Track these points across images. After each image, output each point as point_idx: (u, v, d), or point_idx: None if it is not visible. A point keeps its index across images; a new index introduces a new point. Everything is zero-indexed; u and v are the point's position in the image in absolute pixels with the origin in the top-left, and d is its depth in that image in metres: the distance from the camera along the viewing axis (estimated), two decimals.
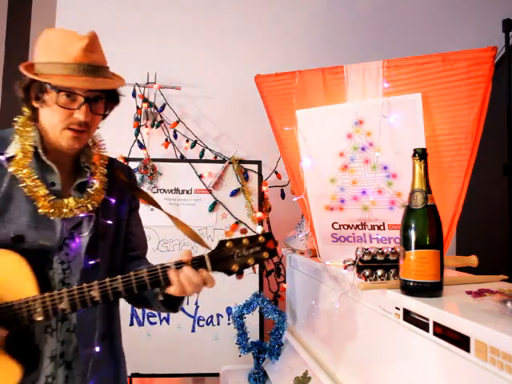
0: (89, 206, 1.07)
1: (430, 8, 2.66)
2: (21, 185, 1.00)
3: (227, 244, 0.99)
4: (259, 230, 1.03)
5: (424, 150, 0.95)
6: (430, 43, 2.55)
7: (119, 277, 0.97)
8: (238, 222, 2.17)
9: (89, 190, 1.09)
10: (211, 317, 2.09)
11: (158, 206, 1.21)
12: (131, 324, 2.03)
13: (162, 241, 2.10)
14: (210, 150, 2.42)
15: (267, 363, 1.72)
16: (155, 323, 2.06)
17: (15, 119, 1.07)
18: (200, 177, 2.20)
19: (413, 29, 2.63)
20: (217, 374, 1.95)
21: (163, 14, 2.53)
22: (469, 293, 0.93)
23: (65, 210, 1.03)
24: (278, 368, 1.64)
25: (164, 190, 2.17)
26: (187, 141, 2.43)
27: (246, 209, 2.18)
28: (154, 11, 2.52)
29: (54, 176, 1.06)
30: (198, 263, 0.99)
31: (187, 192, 2.18)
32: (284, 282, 2.14)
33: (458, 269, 1.28)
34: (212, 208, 2.17)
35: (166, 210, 1.26)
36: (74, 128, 1.02)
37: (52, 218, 1.02)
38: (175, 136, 2.43)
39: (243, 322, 1.77)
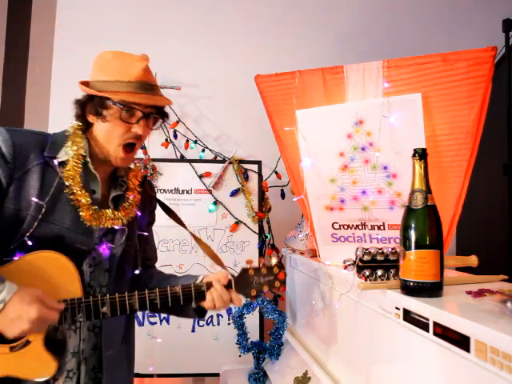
0: (124, 220, 1.15)
1: (430, 8, 2.66)
2: (68, 191, 1.07)
3: (249, 271, 1.17)
4: (273, 261, 1.25)
5: (424, 150, 0.95)
6: (430, 43, 2.56)
7: (157, 290, 1.09)
8: (237, 222, 2.17)
9: (125, 204, 1.18)
10: (211, 317, 2.09)
11: (184, 225, 1.33)
12: None
13: (163, 241, 2.10)
14: (210, 150, 2.42)
15: (267, 363, 1.72)
16: (155, 323, 2.06)
17: (69, 126, 1.13)
18: (200, 177, 2.20)
19: (413, 29, 2.63)
20: (217, 374, 1.95)
21: (163, 14, 2.53)
22: (469, 293, 0.93)
23: (103, 221, 1.11)
24: (278, 368, 1.64)
25: (164, 190, 2.17)
26: (187, 141, 2.44)
27: (246, 209, 2.18)
28: (154, 11, 2.53)
29: (95, 184, 1.13)
30: (226, 286, 1.14)
31: (187, 192, 2.18)
32: (284, 282, 2.14)
33: (458, 269, 1.28)
34: (212, 208, 2.17)
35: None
36: (129, 142, 1.11)
37: (92, 227, 1.10)
38: (175, 136, 2.43)
39: (243, 322, 1.77)
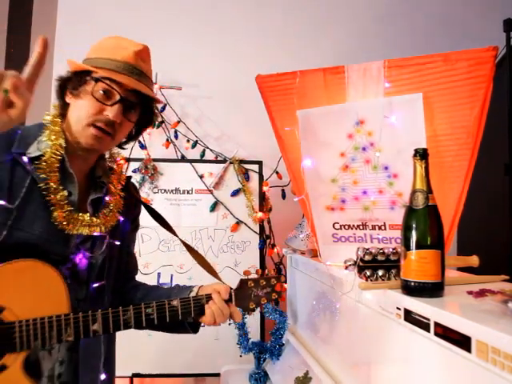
0: (102, 227, 1.03)
1: (430, 8, 2.66)
2: (41, 185, 0.94)
3: (249, 283, 1.12)
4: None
5: (425, 150, 0.95)
6: (431, 43, 2.55)
7: (154, 303, 1.00)
8: (238, 222, 2.17)
9: (104, 211, 1.06)
10: None
11: (174, 232, 1.23)
12: None
13: (163, 241, 2.10)
14: (211, 150, 2.43)
15: (268, 363, 1.72)
16: None
17: (45, 115, 1.02)
18: (201, 177, 2.20)
19: (414, 29, 2.63)
20: (218, 374, 1.95)
21: (163, 15, 2.53)
22: (470, 293, 0.92)
23: (78, 226, 0.99)
24: (278, 368, 1.64)
25: (165, 190, 2.17)
26: (188, 141, 2.44)
27: (247, 209, 2.18)
28: (154, 11, 2.53)
29: (72, 185, 1.01)
30: (227, 299, 1.07)
31: (188, 192, 2.18)
32: (285, 282, 2.14)
33: (459, 269, 1.28)
34: (213, 208, 2.17)
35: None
36: (99, 126, 0.97)
37: (65, 231, 0.97)
38: (176, 136, 2.43)
39: (244, 322, 1.77)
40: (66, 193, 0.97)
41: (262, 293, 1.13)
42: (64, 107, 1.03)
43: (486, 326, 0.68)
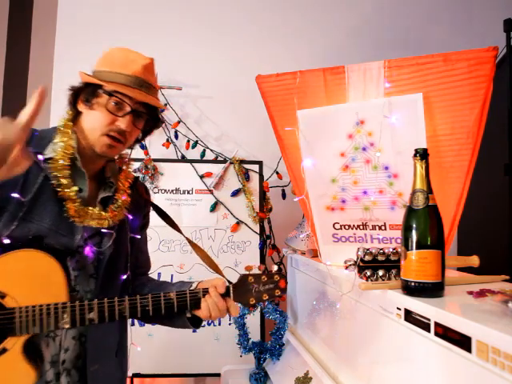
0: (110, 221, 1.10)
1: (430, 8, 2.66)
2: (54, 182, 1.01)
3: (249, 278, 1.11)
4: (275, 268, 1.25)
5: (425, 150, 0.95)
6: (431, 43, 2.55)
7: (149, 295, 1.02)
8: (238, 223, 2.18)
9: (112, 206, 1.12)
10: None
11: (179, 231, 1.28)
12: (132, 324, 2.03)
13: (163, 241, 2.10)
14: (211, 150, 2.43)
15: (268, 363, 1.72)
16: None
17: (59, 119, 1.10)
18: (201, 177, 2.20)
19: (414, 29, 2.63)
20: (218, 374, 1.95)
21: (163, 15, 2.53)
22: (470, 293, 0.92)
23: (88, 218, 1.06)
24: (279, 368, 1.64)
25: (165, 191, 2.17)
26: (188, 141, 2.44)
27: (247, 209, 2.18)
28: (154, 11, 2.53)
29: (83, 182, 1.08)
30: (223, 294, 1.07)
31: (188, 192, 2.18)
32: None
33: (460, 269, 1.28)
34: (213, 208, 2.17)
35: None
36: (112, 135, 1.06)
37: (75, 223, 1.04)
38: (176, 136, 2.43)
39: (244, 322, 1.77)
40: (76, 188, 1.04)
41: (263, 288, 1.11)
42: (77, 114, 1.11)
43: (487, 326, 0.68)
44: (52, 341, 1.02)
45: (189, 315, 1.11)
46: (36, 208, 1.00)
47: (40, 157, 1.03)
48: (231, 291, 1.09)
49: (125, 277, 1.17)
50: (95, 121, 1.07)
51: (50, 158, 1.03)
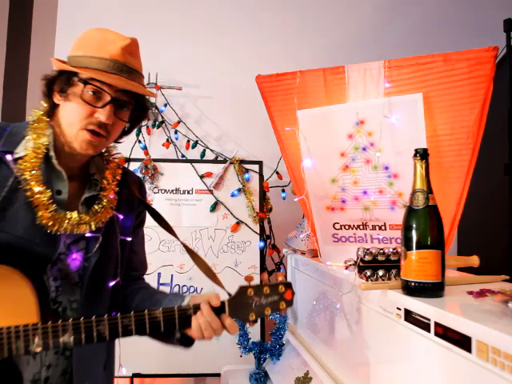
0: (92, 224, 0.97)
1: (430, 8, 2.66)
2: (23, 186, 0.90)
3: (248, 291, 0.96)
4: (279, 279, 1.01)
5: (425, 150, 0.95)
6: (431, 43, 2.55)
7: (132, 314, 0.90)
8: (238, 223, 2.18)
9: (96, 206, 1.00)
10: None
11: (176, 236, 1.13)
12: None
13: (163, 241, 2.10)
14: (211, 150, 2.43)
15: (268, 363, 1.72)
16: None
17: (32, 113, 0.98)
18: (201, 177, 2.20)
19: (414, 29, 2.63)
20: (218, 375, 1.95)
21: (163, 15, 2.53)
22: (470, 293, 0.92)
23: (65, 225, 0.93)
24: (279, 368, 1.64)
25: (165, 191, 2.17)
26: (188, 141, 2.44)
27: (247, 209, 2.18)
28: (155, 12, 2.53)
29: (61, 183, 0.97)
30: (218, 309, 0.94)
31: (188, 192, 2.18)
32: None
33: (460, 269, 1.28)
34: (213, 208, 2.17)
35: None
36: (92, 129, 0.93)
37: (50, 232, 0.92)
38: (176, 136, 2.43)
39: None
40: (49, 193, 0.92)
41: (266, 302, 0.97)
42: (53, 106, 0.98)
43: (487, 326, 0.68)
44: (32, 358, 0.92)
45: (178, 335, 0.99)
46: (7, 215, 0.88)
47: (8, 157, 0.90)
48: (226, 306, 0.95)
49: (113, 283, 1.05)
50: (72, 114, 0.94)
51: (22, 158, 0.92)
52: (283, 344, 1.71)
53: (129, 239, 1.10)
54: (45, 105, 0.98)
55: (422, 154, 0.95)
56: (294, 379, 1.43)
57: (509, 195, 1.85)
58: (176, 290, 2.08)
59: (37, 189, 0.90)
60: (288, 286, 0.99)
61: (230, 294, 0.98)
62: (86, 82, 0.92)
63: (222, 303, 0.95)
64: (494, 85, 1.16)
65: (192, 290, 2.08)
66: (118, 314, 0.89)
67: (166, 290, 2.07)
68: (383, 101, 1.25)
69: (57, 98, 0.96)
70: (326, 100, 1.38)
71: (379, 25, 2.62)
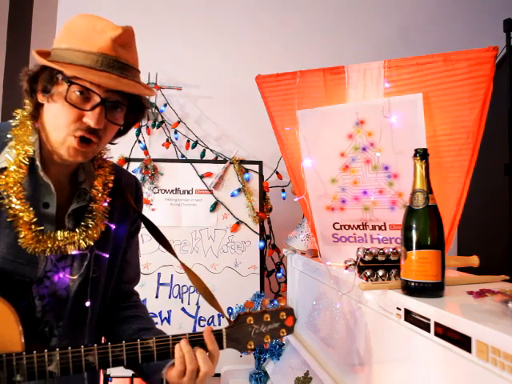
0: (82, 243, 0.88)
1: (430, 8, 2.66)
2: (5, 203, 0.81)
3: (248, 319, 0.91)
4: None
5: (425, 150, 0.95)
6: (431, 43, 2.55)
7: (123, 343, 0.84)
8: (238, 223, 2.18)
9: (86, 221, 0.90)
10: (212, 317, 2.09)
11: (174, 254, 1.07)
12: None
13: None
14: (211, 150, 2.43)
15: (268, 363, 1.72)
16: (156, 323, 2.05)
17: (14, 114, 0.88)
18: (201, 177, 2.20)
19: (414, 29, 2.63)
20: (218, 375, 1.94)
21: (164, 15, 2.53)
22: (470, 293, 0.92)
23: (50, 245, 0.85)
24: (279, 368, 1.64)
25: (165, 191, 2.17)
26: (188, 141, 2.44)
27: (247, 209, 2.18)
28: (155, 12, 2.53)
29: (49, 196, 0.87)
30: (215, 338, 0.89)
31: (188, 192, 2.18)
32: (285, 282, 2.14)
33: (460, 269, 1.28)
34: (213, 208, 2.17)
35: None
36: (81, 135, 0.82)
37: (34, 253, 0.84)
38: (176, 136, 2.43)
39: None
40: (33, 212, 0.83)
41: (266, 329, 0.92)
42: (37, 106, 0.87)
43: (487, 326, 0.68)
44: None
45: (163, 376, 0.91)
46: None
47: None
48: (224, 336, 0.89)
49: (89, 304, 0.95)
50: (57, 117, 0.82)
51: (4, 170, 0.82)
52: (283, 344, 1.71)
53: (123, 248, 1.03)
54: (28, 107, 0.87)
55: (422, 154, 0.95)
56: (294, 379, 1.43)
57: (509, 195, 1.85)
58: (176, 290, 2.09)
59: (18, 207, 0.82)
60: (290, 312, 0.96)
61: (229, 321, 0.93)
62: (70, 81, 0.80)
63: (220, 333, 0.90)
64: (493, 85, 1.15)
65: (192, 289, 2.08)
66: (109, 344, 0.83)
67: (166, 290, 2.08)
68: (383, 101, 1.25)
69: (40, 98, 0.85)
70: (325, 100, 1.38)
71: (379, 25, 2.62)
